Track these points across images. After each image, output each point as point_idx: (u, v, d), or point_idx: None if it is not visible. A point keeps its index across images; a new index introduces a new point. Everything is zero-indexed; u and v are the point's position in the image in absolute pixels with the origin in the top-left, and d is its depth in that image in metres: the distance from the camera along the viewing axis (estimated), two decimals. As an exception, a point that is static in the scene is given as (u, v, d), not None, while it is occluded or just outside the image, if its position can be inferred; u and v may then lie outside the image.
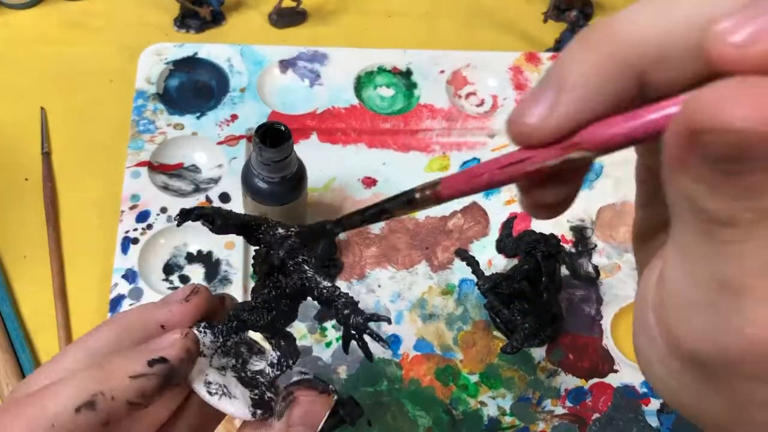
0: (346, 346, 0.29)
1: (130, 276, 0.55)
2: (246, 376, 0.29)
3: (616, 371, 0.56)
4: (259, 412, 0.28)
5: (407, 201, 0.25)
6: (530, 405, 0.54)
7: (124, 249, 0.56)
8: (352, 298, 0.29)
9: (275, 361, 0.30)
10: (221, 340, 0.29)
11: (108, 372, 0.25)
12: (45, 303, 0.55)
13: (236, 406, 0.28)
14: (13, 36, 0.70)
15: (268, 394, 0.29)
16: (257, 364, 0.30)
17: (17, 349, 0.52)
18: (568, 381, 0.55)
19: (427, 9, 0.78)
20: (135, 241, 0.56)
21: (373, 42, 0.73)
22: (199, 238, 0.58)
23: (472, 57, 0.71)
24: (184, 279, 0.56)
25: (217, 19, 0.73)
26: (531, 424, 0.53)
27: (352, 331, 0.28)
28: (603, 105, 0.19)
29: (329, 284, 0.29)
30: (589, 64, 0.19)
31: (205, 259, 0.57)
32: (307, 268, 0.29)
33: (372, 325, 0.28)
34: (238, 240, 0.57)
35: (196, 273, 0.57)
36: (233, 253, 0.57)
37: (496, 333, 0.56)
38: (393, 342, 0.55)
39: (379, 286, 0.57)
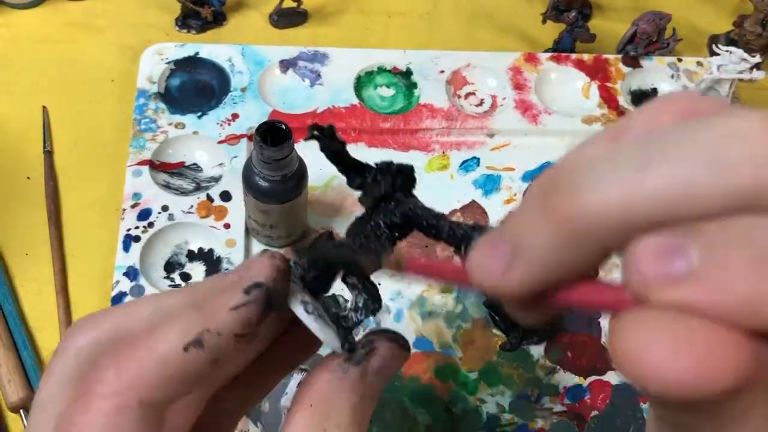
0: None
1: (131, 274, 0.55)
2: (332, 315, 0.29)
3: (614, 369, 0.56)
4: (347, 345, 0.28)
5: (371, 262, 0.27)
6: (529, 402, 0.54)
7: (126, 247, 0.56)
8: (458, 223, 0.29)
9: (360, 305, 0.29)
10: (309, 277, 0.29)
11: (209, 309, 0.25)
12: (47, 300, 0.55)
13: (329, 333, 0.27)
14: (16, 35, 0.70)
15: (352, 335, 0.29)
16: (338, 310, 0.29)
17: (19, 347, 0.53)
18: (566, 379, 0.55)
19: (427, 9, 0.78)
20: (136, 239, 0.57)
21: (373, 42, 0.74)
22: (199, 236, 0.58)
23: (471, 57, 0.71)
24: (186, 277, 0.57)
25: (218, 19, 0.74)
26: (530, 422, 0.53)
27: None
28: (564, 273, 0.18)
29: (437, 211, 0.30)
30: (546, 235, 0.18)
31: (206, 256, 0.58)
32: (415, 198, 0.30)
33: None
34: (239, 238, 0.58)
35: (197, 271, 0.57)
36: (234, 251, 0.57)
37: (495, 331, 0.57)
38: (393, 340, 0.55)
39: (379, 284, 0.57)
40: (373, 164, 0.30)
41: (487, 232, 0.23)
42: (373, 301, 0.29)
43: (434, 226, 0.29)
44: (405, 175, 0.30)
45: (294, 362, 0.31)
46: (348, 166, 0.30)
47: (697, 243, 0.16)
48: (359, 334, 0.29)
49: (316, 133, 0.30)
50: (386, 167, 0.30)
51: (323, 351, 0.29)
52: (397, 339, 0.29)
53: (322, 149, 0.30)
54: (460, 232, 0.29)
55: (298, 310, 0.27)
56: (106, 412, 0.23)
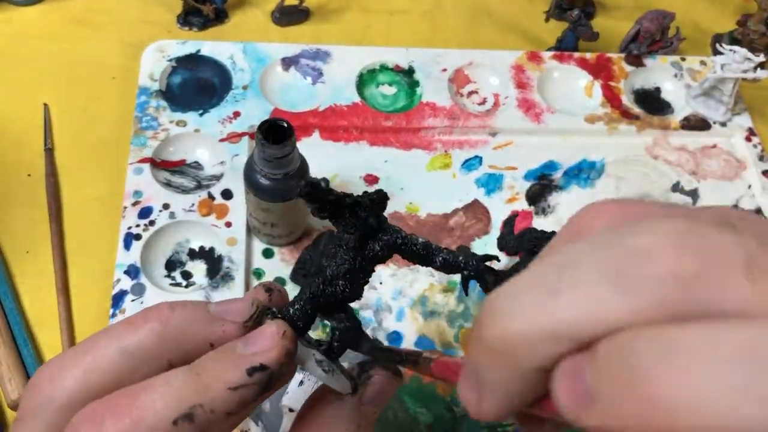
0: (467, 287, 0.31)
1: (132, 272, 0.55)
2: (337, 364, 0.29)
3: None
4: (353, 385, 0.29)
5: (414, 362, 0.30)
6: (531, 402, 0.54)
7: (127, 245, 0.56)
8: (448, 249, 0.30)
9: (338, 337, 0.30)
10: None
11: (206, 383, 0.24)
12: (47, 298, 0.55)
13: (341, 381, 0.29)
14: (17, 32, 0.70)
15: (348, 371, 0.30)
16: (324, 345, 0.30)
17: (20, 345, 0.53)
18: (568, 379, 0.55)
19: (429, 7, 0.78)
20: (137, 237, 0.56)
21: (375, 40, 0.74)
22: (201, 234, 0.58)
23: (474, 55, 0.71)
24: (187, 275, 0.56)
25: (219, 16, 0.73)
26: (531, 422, 0.53)
27: (472, 272, 0.30)
28: (529, 393, 0.19)
29: (424, 240, 0.30)
30: (493, 368, 0.19)
31: (207, 255, 0.57)
32: (398, 228, 0.30)
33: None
34: (241, 236, 0.57)
35: (198, 269, 0.57)
36: (235, 249, 0.57)
37: (497, 330, 0.57)
38: (394, 339, 0.55)
39: (381, 283, 0.58)
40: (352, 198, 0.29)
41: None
42: (357, 335, 0.30)
43: (425, 256, 0.30)
44: (380, 202, 0.29)
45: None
46: (344, 214, 0.28)
47: (591, 364, 0.16)
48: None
49: (309, 189, 0.27)
50: (369, 202, 0.29)
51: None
52: (389, 368, 0.30)
53: (319, 207, 0.27)
54: (454, 261, 0.30)
55: (316, 372, 0.28)
56: None
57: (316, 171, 0.57)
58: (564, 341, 0.17)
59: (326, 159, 0.63)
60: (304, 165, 0.54)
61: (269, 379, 0.25)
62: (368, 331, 0.55)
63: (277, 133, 0.50)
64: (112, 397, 0.23)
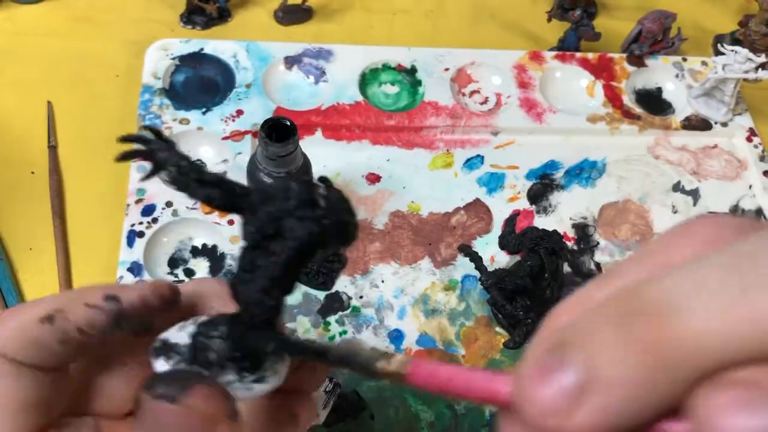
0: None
1: (135, 269, 0.55)
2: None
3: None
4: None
5: (364, 368, 0.21)
6: (532, 400, 0.54)
7: (130, 242, 0.56)
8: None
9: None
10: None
11: (71, 296, 0.27)
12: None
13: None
14: (21, 30, 0.70)
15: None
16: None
17: (23, 341, 0.53)
18: (569, 377, 0.55)
19: (431, 7, 0.78)
20: (140, 234, 0.57)
21: (378, 39, 0.74)
22: (203, 232, 0.58)
23: (476, 55, 0.71)
24: (189, 272, 0.57)
25: (223, 15, 0.74)
26: (532, 420, 0.53)
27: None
28: (643, 413, 0.16)
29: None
30: (629, 367, 0.15)
31: (209, 252, 0.58)
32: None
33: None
34: (243, 234, 0.58)
35: (201, 267, 0.57)
36: (237, 247, 0.57)
37: (498, 329, 0.57)
38: (396, 337, 0.55)
39: (383, 282, 0.58)
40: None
41: (533, 352, 0.17)
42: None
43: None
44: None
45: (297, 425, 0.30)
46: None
47: None
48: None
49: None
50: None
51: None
52: (152, 388, 0.24)
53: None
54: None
55: (157, 362, 0.25)
56: None
57: (318, 170, 0.57)
58: (743, 349, 0.15)
59: (329, 158, 0.63)
60: (306, 163, 0.54)
61: (118, 313, 0.27)
62: (369, 330, 0.55)
63: (280, 131, 0.50)
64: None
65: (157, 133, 0.25)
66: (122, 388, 0.29)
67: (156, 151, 0.24)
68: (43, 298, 0.27)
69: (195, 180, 0.24)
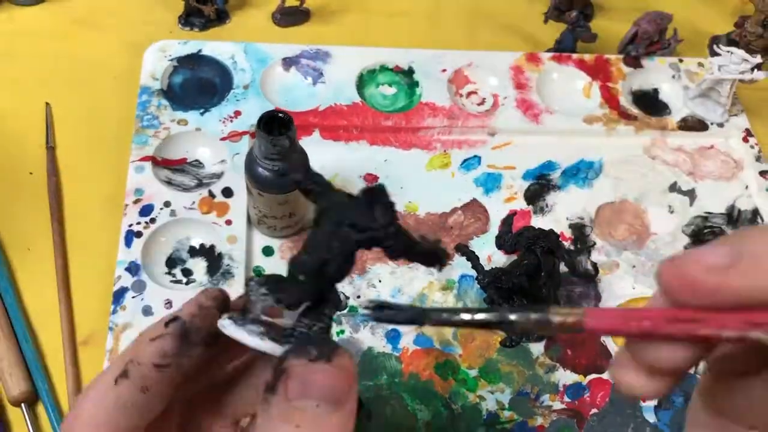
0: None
1: (133, 269, 0.55)
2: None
3: (614, 367, 0.56)
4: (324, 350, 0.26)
5: (537, 322, 0.23)
6: (529, 400, 0.54)
7: (128, 242, 0.56)
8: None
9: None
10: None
11: (136, 342, 0.28)
12: (48, 295, 0.55)
13: (268, 343, 0.27)
14: (20, 32, 0.71)
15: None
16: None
17: (20, 341, 0.53)
18: (566, 376, 0.55)
19: (429, 9, 0.79)
20: (138, 234, 0.57)
21: (375, 41, 0.74)
22: (201, 232, 0.58)
23: (473, 56, 0.72)
24: (187, 272, 0.57)
25: (221, 17, 0.74)
26: (529, 419, 0.54)
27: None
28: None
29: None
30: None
31: (207, 252, 0.58)
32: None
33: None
34: (241, 234, 0.58)
35: (199, 267, 0.57)
36: (235, 247, 0.57)
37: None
38: (393, 336, 0.56)
39: (380, 281, 0.58)
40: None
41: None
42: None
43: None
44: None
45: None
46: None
47: None
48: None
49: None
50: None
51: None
52: (307, 352, 0.25)
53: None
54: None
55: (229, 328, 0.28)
56: None
57: (316, 170, 0.57)
58: None
59: (326, 158, 0.63)
60: (304, 156, 0.54)
61: (182, 330, 0.28)
62: (366, 329, 0.56)
63: (276, 124, 0.50)
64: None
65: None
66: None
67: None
68: (111, 364, 0.28)
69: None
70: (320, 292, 0.28)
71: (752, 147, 0.70)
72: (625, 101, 0.71)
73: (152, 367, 0.27)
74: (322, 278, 0.28)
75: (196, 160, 0.62)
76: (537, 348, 0.56)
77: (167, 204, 0.59)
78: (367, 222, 0.28)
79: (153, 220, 0.58)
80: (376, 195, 0.28)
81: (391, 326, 0.56)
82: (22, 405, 0.50)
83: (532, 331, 0.24)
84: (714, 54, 0.69)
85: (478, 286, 0.57)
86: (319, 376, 0.25)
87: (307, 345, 0.26)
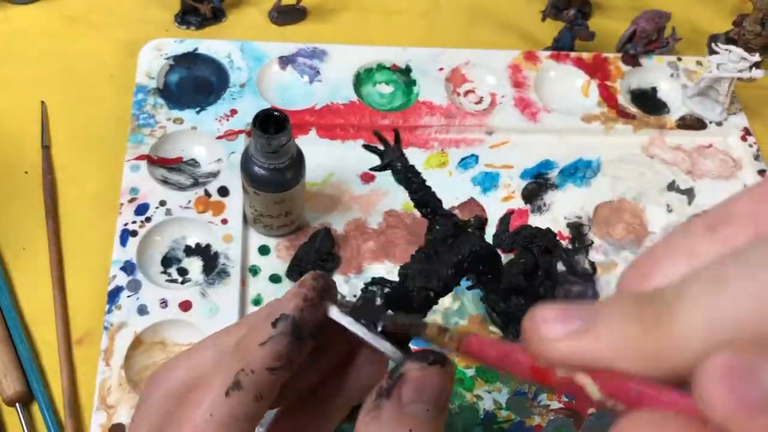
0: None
1: (128, 268, 0.55)
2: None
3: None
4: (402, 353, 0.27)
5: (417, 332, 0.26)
6: (526, 399, 0.54)
7: (123, 241, 0.56)
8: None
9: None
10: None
11: (242, 349, 0.26)
12: (43, 295, 0.55)
13: (383, 343, 0.28)
14: (15, 30, 0.70)
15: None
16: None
17: (15, 341, 0.53)
18: (564, 376, 0.55)
19: (426, 7, 0.78)
20: (134, 233, 0.56)
21: (372, 39, 0.74)
22: (197, 231, 0.58)
23: (471, 55, 0.71)
24: (183, 272, 0.57)
25: (217, 15, 0.74)
26: (527, 419, 0.53)
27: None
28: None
29: None
30: (630, 338, 0.17)
31: (203, 252, 0.57)
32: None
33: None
34: (237, 233, 0.57)
35: (195, 266, 0.57)
36: (231, 246, 0.57)
37: (492, 327, 0.57)
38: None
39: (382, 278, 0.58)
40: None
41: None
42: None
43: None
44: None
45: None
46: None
47: None
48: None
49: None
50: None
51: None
52: (425, 357, 0.26)
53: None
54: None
55: (339, 317, 0.27)
56: None
57: (312, 169, 0.57)
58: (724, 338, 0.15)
59: (323, 157, 0.63)
60: (300, 154, 0.54)
61: (294, 327, 0.26)
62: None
63: (272, 123, 0.50)
64: (196, 383, 0.27)
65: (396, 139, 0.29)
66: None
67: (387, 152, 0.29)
68: (209, 375, 0.26)
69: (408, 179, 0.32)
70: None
71: (751, 146, 0.69)
72: (623, 100, 0.70)
73: (266, 373, 0.26)
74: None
75: (192, 159, 0.62)
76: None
77: (163, 203, 0.58)
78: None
79: (148, 219, 0.57)
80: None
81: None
82: (17, 405, 0.50)
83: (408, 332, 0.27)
84: (712, 52, 0.69)
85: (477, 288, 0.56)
86: (436, 380, 0.25)
87: (423, 352, 0.26)
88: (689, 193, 0.66)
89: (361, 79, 0.69)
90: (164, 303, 0.54)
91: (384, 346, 0.27)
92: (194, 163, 0.62)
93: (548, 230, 0.57)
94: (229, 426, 0.26)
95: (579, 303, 0.19)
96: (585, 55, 0.73)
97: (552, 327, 0.19)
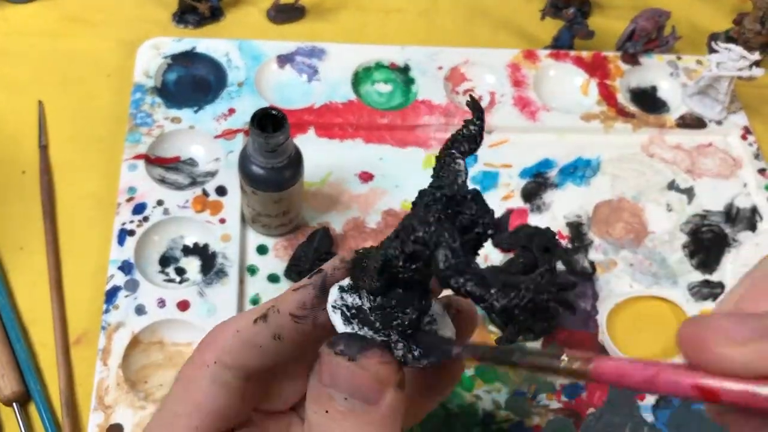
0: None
1: (126, 268, 0.55)
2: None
3: (611, 366, 0.56)
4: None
5: (548, 367, 0.23)
6: (525, 399, 0.54)
7: (121, 241, 0.56)
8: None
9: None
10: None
11: (282, 293, 0.30)
12: (41, 294, 0.55)
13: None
14: (12, 30, 0.70)
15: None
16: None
17: (12, 341, 0.52)
18: (563, 376, 0.55)
19: (425, 6, 0.78)
20: (131, 233, 0.56)
21: (371, 38, 0.74)
22: (195, 230, 0.58)
23: (470, 54, 0.71)
24: (180, 271, 0.56)
25: (215, 14, 0.73)
26: (526, 419, 0.53)
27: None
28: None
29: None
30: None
31: (201, 251, 0.57)
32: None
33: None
34: (235, 232, 0.57)
35: (192, 265, 0.57)
36: (229, 245, 0.57)
37: (491, 327, 0.56)
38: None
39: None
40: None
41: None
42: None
43: None
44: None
45: (439, 395, 0.33)
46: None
47: None
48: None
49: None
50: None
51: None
52: (334, 344, 0.27)
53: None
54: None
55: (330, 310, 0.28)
56: (206, 371, 0.29)
57: (311, 168, 0.57)
58: None
59: (321, 156, 0.63)
60: (298, 154, 0.54)
61: (323, 280, 0.29)
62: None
63: (270, 122, 0.50)
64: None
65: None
66: (290, 388, 0.32)
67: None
68: (257, 306, 0.30)
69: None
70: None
71: (751, 144, 0.69)
72: (623, 99, 0.70)
73: (288, 318, 0.28)
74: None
75: (190, 159, 0.62)
76: (534, 347, 0.56)
77: (160, 202, 0.58)
78: None
79: (146, 219, 0.57)
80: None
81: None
82: (14, 404, 0.50)
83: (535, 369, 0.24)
84: (712, 51, 0.69)
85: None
86: (342, 371, 0.26)
87: (341, 338, 0.27)
88: (689, 192, 0.66)
89: (359, 78, 0.69)
90: (162, 303, 0.53)
91: (339, 327, 0.28)
92: (192, 162, 0.62)
93: (547, 229, 0.57)
94: (249, 349, 0.28)
95: (741, 313, 0.20)
96: (584, 54, 0.73)
97: (729, 335, 0.19)
